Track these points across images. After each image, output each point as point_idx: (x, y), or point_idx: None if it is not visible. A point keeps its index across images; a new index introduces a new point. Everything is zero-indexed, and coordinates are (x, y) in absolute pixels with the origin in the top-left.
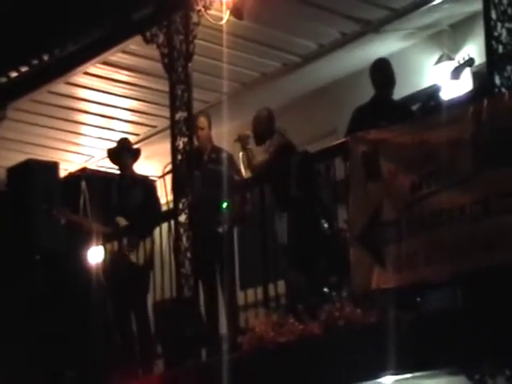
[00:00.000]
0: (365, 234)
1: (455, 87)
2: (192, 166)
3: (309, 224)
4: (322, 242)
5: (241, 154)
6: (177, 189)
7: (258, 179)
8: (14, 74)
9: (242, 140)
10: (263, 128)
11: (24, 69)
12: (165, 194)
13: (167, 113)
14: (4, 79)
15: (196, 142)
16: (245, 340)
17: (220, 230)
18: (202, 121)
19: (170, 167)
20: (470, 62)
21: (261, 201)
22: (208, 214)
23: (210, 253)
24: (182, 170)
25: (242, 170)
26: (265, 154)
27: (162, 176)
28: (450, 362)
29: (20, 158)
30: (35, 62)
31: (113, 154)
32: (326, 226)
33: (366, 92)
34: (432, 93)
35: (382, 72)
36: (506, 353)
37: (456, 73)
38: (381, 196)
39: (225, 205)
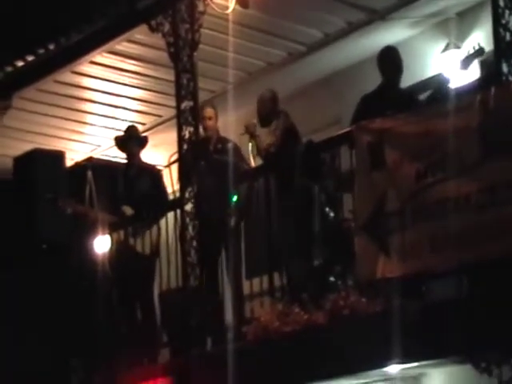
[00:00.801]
0: (370, 223)
1: (462, 76)
2: (198, 155)
3: (314, 213)
4: (327, 230)
5: (250, 144)
6: (183, 178)
7: (263, 168)
8: (19, 63)
9: (249, 129)
10: (268, 110)
11: (30, 58)
12: (171, 183)
13: (173, 102)
14: (10, 68)
15: (203, 132)
16: (250, 329)
17: (229, 222)
18: (209, 111)
19: (175, 156)
20: (479, 52)
21: (266, 190)
22: (215, 205)
23: (216, 242)
24: (188, 159)
25: (252, 161)
26: (271, 137)
27: (168, 165)
28: (456, 350)
29: (26, 147)
30: (41, 51)
31: (120, 142)
32: (331, 214)
33: (372, 81)
34: (439, 86)
35: (390, 60)
36: (511, 342)
37: (466, 63)
38: (386, 185)
39: (234, 198)
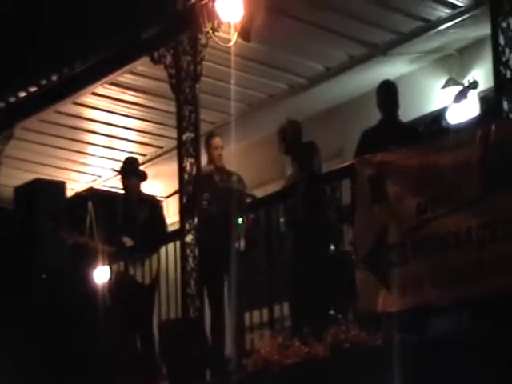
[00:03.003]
0: (370, 257)
1: (462, 111)
2: (200, 186)
3: (314, 246)
4: (328, 263)
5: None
6: (183, 209)
7: (264, 201)
8: (22, 94)
9: (280, 132)
10: (285, 140)
11: (33, 89)
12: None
13: (174, 133)
14: (12, 99)
15: (215, 162)
16: (249, 362)
17: (236, 245)
18: (219, 140)
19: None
20: (473, 85)
21: (266, 221)
22: (219, 233)
23: (219, 272)
24: (190, 190)
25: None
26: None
27: (169, 196)
28: None
29: (27, 177)
30: (44, 81)
31: (120, 176)
32: (331, 247)
33: (373, 114)
34: (435, 118)
35: (385, 94)
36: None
37: (459, 96)
38: (386, 218)
39: (240, 221)
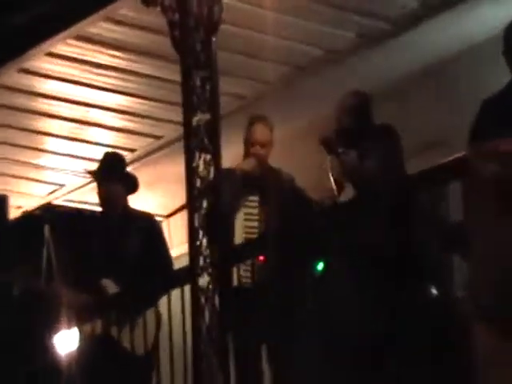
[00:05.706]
0: (499, 309)
1: None
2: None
3: (405, 288)
4: (428, 318)
5: (329, 157)
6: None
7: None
8: None
9: (325, 144)
10: (348, 123)
11: None
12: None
13: (179, 115)
14: None
15: (252, 163)
16: None
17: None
18: (262, 129)
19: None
20: None
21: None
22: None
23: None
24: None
25: (331, 181)
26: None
27: (172, 214)
28: None
29: None
30: None
31: (96, 182)
32: (433, 291)
33: (495, 77)
34: None
35: None
36: None
37: None
38: None
39: (320, 266)
